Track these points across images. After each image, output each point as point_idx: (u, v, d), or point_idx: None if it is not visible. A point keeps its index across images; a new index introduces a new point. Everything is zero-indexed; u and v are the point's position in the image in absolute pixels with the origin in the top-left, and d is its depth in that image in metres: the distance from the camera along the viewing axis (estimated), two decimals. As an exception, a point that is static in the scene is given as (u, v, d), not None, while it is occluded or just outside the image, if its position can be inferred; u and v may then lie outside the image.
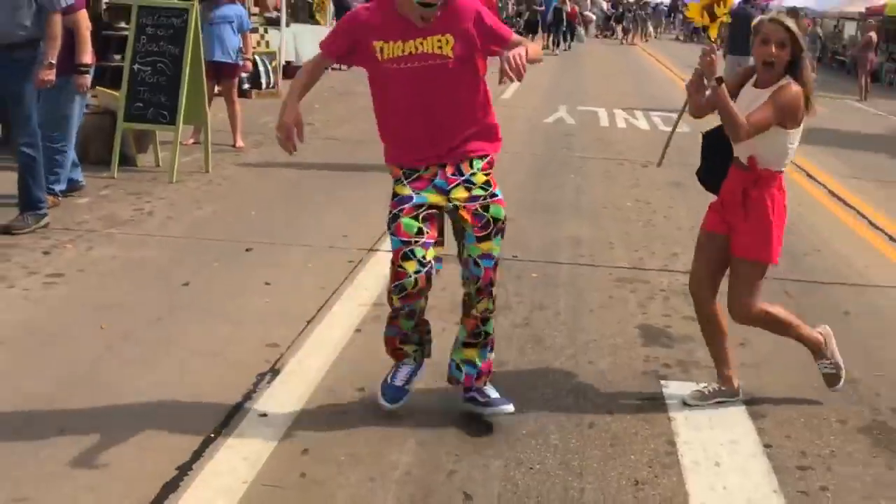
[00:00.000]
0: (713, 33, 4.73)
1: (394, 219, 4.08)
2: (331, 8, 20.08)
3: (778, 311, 4.74)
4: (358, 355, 4.78)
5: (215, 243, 6.86)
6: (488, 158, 4.25)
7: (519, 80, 3.95)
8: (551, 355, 5.10)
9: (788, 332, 4.79)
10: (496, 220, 4.13)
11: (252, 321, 5.34)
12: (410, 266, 3.99)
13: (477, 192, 4.13)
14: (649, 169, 11.12)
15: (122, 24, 11.20)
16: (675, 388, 4.86)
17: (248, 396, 4.40)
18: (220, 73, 10.17)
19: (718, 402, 4.68)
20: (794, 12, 22.75)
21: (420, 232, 4.04)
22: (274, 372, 4.69)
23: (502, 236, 4.20)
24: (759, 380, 5.06)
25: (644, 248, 7.62)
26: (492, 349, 4.37)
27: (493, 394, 4.28)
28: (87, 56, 7.26)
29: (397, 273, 4.02)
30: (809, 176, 11.54)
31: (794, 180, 11.23)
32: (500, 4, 42.81)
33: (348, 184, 8.92)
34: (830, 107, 21.22)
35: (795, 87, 4.37)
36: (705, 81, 4.41)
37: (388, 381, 4.29)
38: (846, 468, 4.15)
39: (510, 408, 4.21)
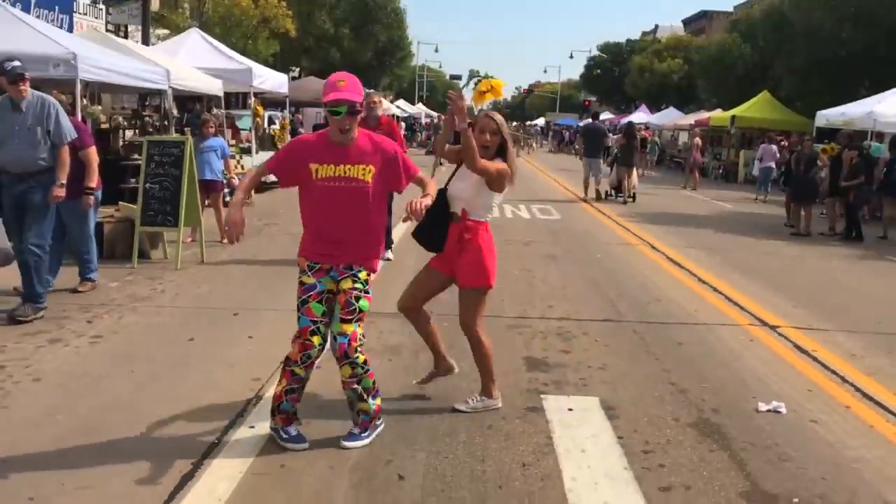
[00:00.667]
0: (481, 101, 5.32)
1: (303, 303, 4.02)
2: (287, 138, 20.27)
3: (487, 342, 4.82)
4: (317, 384, 4.88)
5: (211, 311, 6.92)
6: (369, 271, 4.20)
7: (418, 220, 4.19)
8: (459, 379, 5.15)
9: (483, 362, 4.83)
10: (361, 310, 4.04)
11: (241, 363, 5.46)
12: (316, 340, 3.99)
13: (357, 284, 4.07)
14: (530, 246, 11.38)
15: (136, 156, 11.24)
16: (551, 401, 5.00)
17: (241, 414, 4.56)
18: (209, 188, 10.26)
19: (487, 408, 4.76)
20: (630, 124, 23.10)
21: (324, 314, 4.04)
22: (258, 397, 4.83)
23: (361, 323, 4.06)
24: (615, 392, 5.25)
25: (527, 303, 7.69)
26: (374, 396, 4.20)
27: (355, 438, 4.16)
28: (93, 182, 7.16)
29: (304, 345, 3.97)
30: (653, 247, 11.78)
31: (640, 250, 11.64)
32: (407, 133, 42.84)
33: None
34: (668, 196, 21.91)
35: (503, 165, 4.65)
36: (457, 122, 4.43)
37: (288, 435, 4.12)
38: (678, 451, 4.35)
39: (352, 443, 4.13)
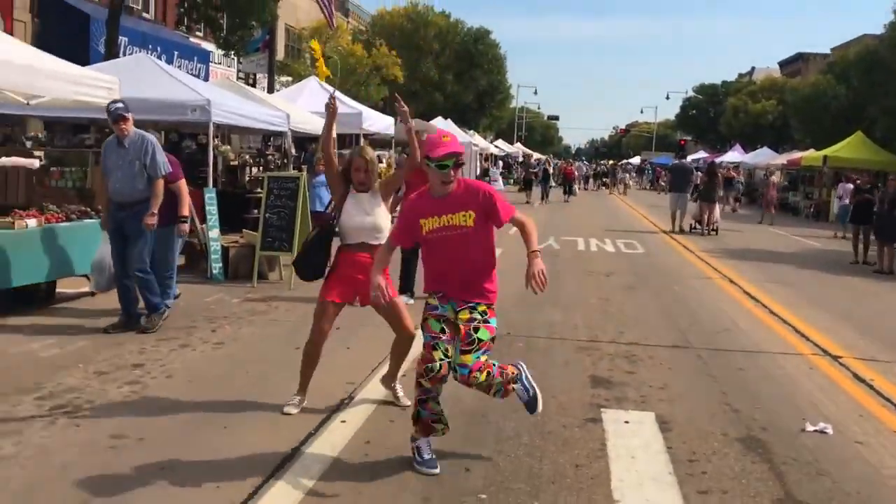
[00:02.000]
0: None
1: (424, 320, 4.20)
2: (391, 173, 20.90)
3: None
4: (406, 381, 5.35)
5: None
6: (490, 310, 4.26)
7: (542, 290, 4.09)
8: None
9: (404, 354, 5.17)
10: (480, 340, 4.10)
11: (339, 369, 5.95)
12: (437, 354, 4.08)
13: (476, 315, 4.16)
14: (610, 277, 11.60)
15: (259, 189, 12.06)
16: (610, 414, 5.29)
17: (336, 410, 5.08)
18: (319, 218, 10.98)
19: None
20: (712, 163, 23.38)
21: (442, 331, 4.14)
22: (350, 398, 5.35)
23: (484, 352, 4.11)
24: (671, 409, 5.49)
25: (600, 329, 7.94)
26: (514, 381, 4.37)
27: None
28: (185, 210, 7.41)
29: (426, 358, 4.10)
30: (731, 280, 11.81)
31: (717, 283, 11.68)
32: (504, 171, 42.98)
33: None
34: (753, 232, 21.64)
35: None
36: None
37: (421, 458, 4.22)
38: (722, 461, 4.58)
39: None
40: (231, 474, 4.05)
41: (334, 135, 5.38)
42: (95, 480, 3.91)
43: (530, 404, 4.42)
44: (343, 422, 4.90)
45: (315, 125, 14.47)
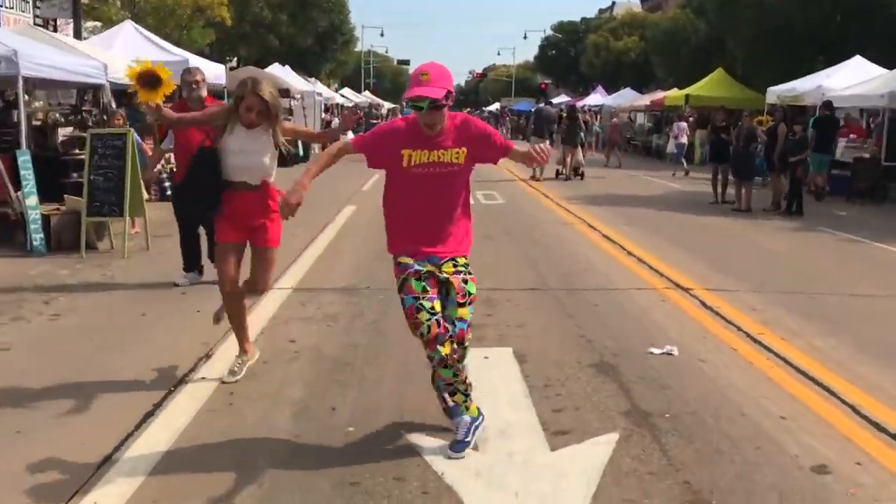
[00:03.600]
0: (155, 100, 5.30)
1: (403, 282, 4.13)
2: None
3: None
4: (275, 330, 5.92)
5: (160, 290, 7.85)
6: (469, 269, 4.32)
7: (545, 163, 4.36)
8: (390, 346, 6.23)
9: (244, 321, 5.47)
10: (471, 293, 4.24)
11: (191, 331, 6.39)
12: (423, 316, 4.05)
13: (460, 268, 4.24)
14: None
15: (76, 151, 12.03)
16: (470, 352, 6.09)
17: (193, 369, 5.54)
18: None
19: (248, 368, 5.35)
20: (573, 107, 25.27)
21: (425, 290, 4.11)
22: (207, 356, 5.82)
23: (472, 307, 4.25)
24: (528, 344, 6.32)
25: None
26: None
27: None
28: None
29: (414, 324, 4.09)
30: (590, 225, 12.95)
31: (577, 228, 12.79)
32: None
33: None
34: (617, 177, 23.26)
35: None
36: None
37: (456, 438, 4.26)
38: (575, 384, 5.42)
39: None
40: (99, 424, 4.51)
41: (170, 114, 5.60)
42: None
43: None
44: (203, 378, 5.40)
45: (136, 76, 14.45)
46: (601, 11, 73.46)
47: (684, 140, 26.62)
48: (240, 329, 5.45)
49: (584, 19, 67.58)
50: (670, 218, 14.56)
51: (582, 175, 22.12)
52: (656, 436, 4.58)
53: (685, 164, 25.57)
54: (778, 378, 5.66)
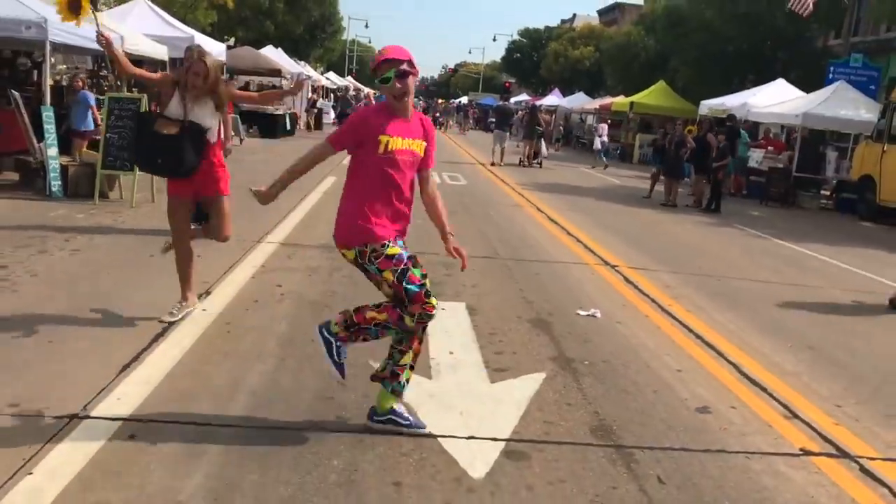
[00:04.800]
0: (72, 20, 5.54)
1: (403, 272, 3.73)
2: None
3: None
4: (264, 276, 6.27)
5: (165, 236, 8.16)
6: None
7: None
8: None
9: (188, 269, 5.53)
10: None
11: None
12: (433, 301, 3.83)
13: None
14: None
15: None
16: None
17: (200, 296, 5.88)
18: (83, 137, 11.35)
19: (188, 313, 5.44)
20: (534, 107, 26.56)
21: (424, 275, 3.82)
22: (207, 293, 6.16)
23: None
24: (479, 301, 6.76)
25: (423, 245, 9.16)
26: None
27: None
28: None
29: (426, 309, 3.79)
30: (538, 209, 13.41)
31: (527, 211, 13.25)
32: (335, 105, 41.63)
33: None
34: (566, 171, 23.81)
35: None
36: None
37: (337, 358, 3.92)
38: (515, 335, 5.86)
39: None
40: (117, 341, 4.87)
41: (122, 58, 5.52)
42: (-6, 348, 4.61)
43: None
44: (204, 310, 5.76)
45: (147, 47, 14.56)
46: (563, 22, 73.65)
47: (605, 138, 28.21)
48: (185, 277, 5.52)
49: (547, 28, 67.82)
50: (607, 207, 15.08)
51: (541, 164, 23.60)
52: (576, 377, 5.06)
53: (605, 159, 27.08)
54: (680, 341, 6.17)
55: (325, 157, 3.95)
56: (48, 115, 10.16)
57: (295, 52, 38.60)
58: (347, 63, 67.96)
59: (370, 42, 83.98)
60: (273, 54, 30.04)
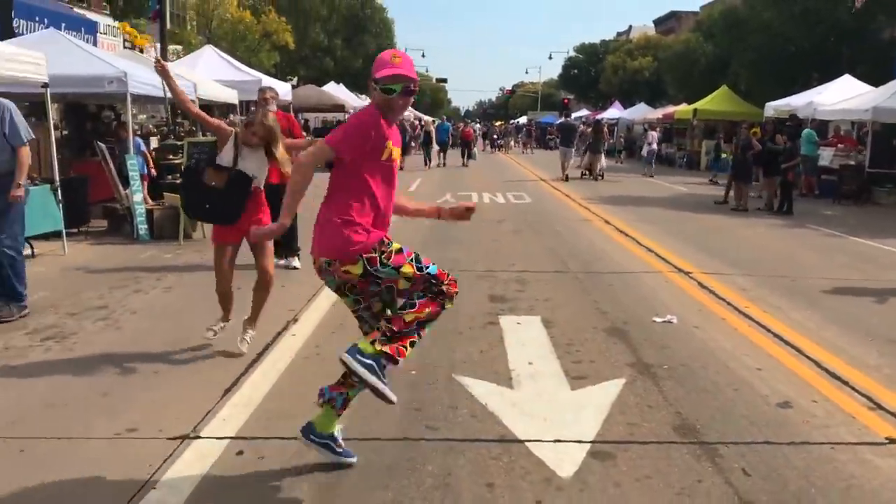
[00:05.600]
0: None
1: (417, 258, 3.62)
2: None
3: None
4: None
5: (249, 272, 8.59)
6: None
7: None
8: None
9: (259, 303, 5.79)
10: None
11: (279, 302, 6.93)
12: (448, 272, 3.74)
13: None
14: (502, 223, 13.06)
15: (170, 156, 12.74)
16: (505, 319, 6.66)
17: (284, 329, 6.20)
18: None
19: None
20: (598, 121, 27.09)
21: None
22: (295, 320, 6.50)
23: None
24: (553, 313, 6.91)
25: (494, 263, 9.38)
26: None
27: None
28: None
29: (451, 284, 3.68)
30: (606, 221, 13.48)
31: (595, 224, 13.34)
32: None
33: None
34: (631, 182, 23.73)
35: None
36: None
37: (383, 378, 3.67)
38: (591, 344, 6.00)
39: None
40: (217, 367, 5.20)
41: (183, 94, 5.91)
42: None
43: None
44: (293, 335, 6.08)
45: (219, 93, 15.23)
46: (619, 34, 73.48)
47: (655, 146, 28.28)
48: (225, 308, 5.80)
49: (603, 42, 67.69)
50: (676, 215, 15.02)
51: (602, 176, 24.20)
52: (655, 381, 5.17)
53: (652, 167, 27.33)
54: (758, 341, 6.21)
55: (321, 161, 3.58)
56: (132, 163, 10.76)
57: (355, 86, 39.50)
58: (406, 93, 68.91)
59: (427, 71, 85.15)
60: (335, 90, 30.87)
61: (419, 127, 39.46)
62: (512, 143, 50.85)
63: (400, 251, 3.62)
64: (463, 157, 32.69)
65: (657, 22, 68.04)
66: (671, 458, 3.97)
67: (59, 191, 9.33)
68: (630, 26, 74.46)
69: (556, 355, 5.71)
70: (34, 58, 9.01)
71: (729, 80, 33.09)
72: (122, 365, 5.29)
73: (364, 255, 3.55)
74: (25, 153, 6.54)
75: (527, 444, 4.11)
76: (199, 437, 4.10)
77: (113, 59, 11.93)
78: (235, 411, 4.48)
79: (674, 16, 62.92)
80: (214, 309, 6.70)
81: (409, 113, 54.79)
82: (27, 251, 9.04)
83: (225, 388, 4.84)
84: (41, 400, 4.64)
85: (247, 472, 3.74)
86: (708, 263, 9.56)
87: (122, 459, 3.82)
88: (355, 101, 32.25)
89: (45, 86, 9.16)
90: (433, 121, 48.35)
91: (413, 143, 33.12)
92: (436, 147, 31.01)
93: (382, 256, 3.57)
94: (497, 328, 6.42)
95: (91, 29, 24.06)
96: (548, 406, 4.68)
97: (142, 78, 11.30)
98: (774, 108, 24.13)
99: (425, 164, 29.43)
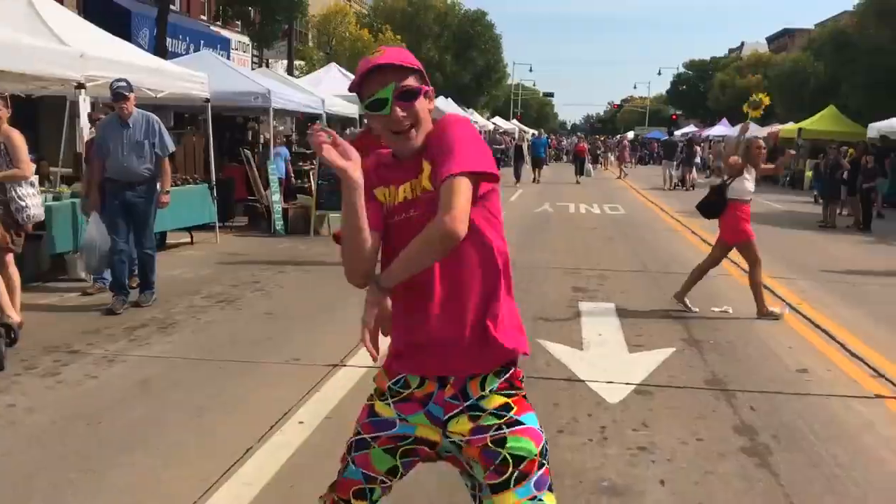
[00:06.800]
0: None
1: (361, 445, 2.17)
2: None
3: None
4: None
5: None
6: (511, 371, 2.14)
7: None
8: (537, 298, 8.27)
9: None
10: (518, 458, 2.03)
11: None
12: None
13: (488, 420, 2.07)
14: (594, 230, 14.34)
15: (300, 163, 14.59)
16: (584, 304, 8.00)
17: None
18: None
19: None
20: (691, 138, 29.34)
21: (394, 471, 2.17)
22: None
23: (539, 485, 2.04)
24: (627, 302, 8.20)
25: (581, 262, 10.72)
26: None
27: None
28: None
29: None
30: (693, 232, 14.55)
31: (682, 234, 14.43)
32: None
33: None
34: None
35: None
36: None
37: None
38: (653, 326, 7.25)
39: None
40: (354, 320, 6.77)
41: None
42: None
43: None
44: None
45: (343, 108, 17.09)
46: (731, 51, 73.00)
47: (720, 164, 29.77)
48: None
49: (713, 58, 67.49)
50: (765, 230, 15.85)
51: (693, 187, 26.59)
52: (700, 351, 6.42)
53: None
54: (799, 329, 7.34)
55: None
56: (272, 168, 12.62)
57: (463, 101, 41.27)
58: (512, 107, 70.58)
59: (534, 85, 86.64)
60: (443, 105, 32.61)
61: (509, 140, 39.00)
62: (611, 157, 46.65)
63: (365, 412, 2.25)
64: (576, 173, 30.66)
65: (770, 39, 67.34)
66: (697, 398, 5.25)
67: (214, 189, 11.23)
68: (743, 43, 73.88)
69: (622, 330, 7.01)
70: (198, 77, 10.93)
71: (839, 100, 33.10)
72: (278, 321, 6.94)
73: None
74: (168, 163, 7.37)
75: (587, 382, 5.46)
76: (345, 366, 5.65)
77: (256, 76, 13.89)
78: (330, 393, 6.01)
79: (787, 33, 62.24)
80: (342, 287, 8.36)
81: (514, 126, 56.28)
82: (187, 239, 10.99)
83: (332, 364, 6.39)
84: (228, 338, 6.32)
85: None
86: (780, 270, 10.59)
87: (291, 378, 5.41)
88: (462, 115, 33.94)
89: (207, 101, 11.07)
90: (532, 133, 46.54)
91: (502, 158, 31.48)
92: (527, 164, 29.45)
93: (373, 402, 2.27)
94: (576, 310, 7.77)
95: (226, 46, 26.67)
96: (608, 361, 6.02)
97: (283, 94, 13.19)
98: (878, 129, 24.37)
99: (516, 182, 27.67)
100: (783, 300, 8.59)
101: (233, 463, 3.94)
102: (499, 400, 2.10)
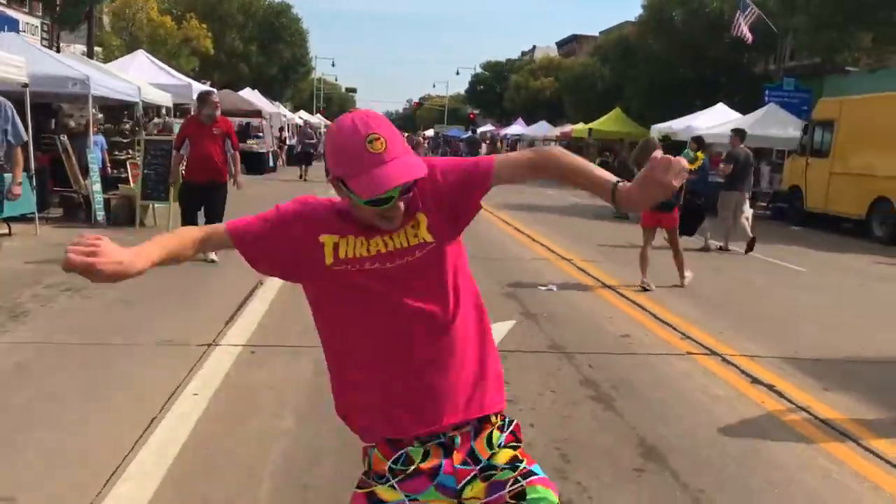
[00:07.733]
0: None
1: None
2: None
3: None
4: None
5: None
6: (514, 423, 2.08)
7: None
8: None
9: None
10: None
11: (231, 281, 8.84)
12: None
13: (502, 475, 1.93)
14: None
15: (116, 152, 14.15)
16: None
17: (241, 305, 7.99)
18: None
19: None
20: (493, 135, 29.28)
21: None
22: (252, 294, 8.30)
23: None
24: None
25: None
26: None
27: None
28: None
29: None
30: (505, 222, 15.75)
31: (495, 223, 15.55)
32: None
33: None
34: (532, 193, 26.25)
35: None
36: None
37: None
38: (500, 311, 8.08)
39: None
40: (220, 297, 6.97)
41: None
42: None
43: None
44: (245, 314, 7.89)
45: (157, 96, 16.70)
46: (524, 54, 77.08)
47: None
48: None
49: (508, 60, 71.00)
50: (564, 220, 17.44)
51: None
52: (537, 322, 7.26)
53: None
54: (615, 303, 8.41)
55: (210, 245, 2.13)
56: (92, 156, 12.23)
57: (270, 93, 40.89)
58: (315, 101, 70.43)
59: (337, 80, 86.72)
60: (250, 96, 32.21)
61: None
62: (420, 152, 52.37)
63: (371, 499, 1.97)
64: None
65: (560, 44, 71.85)
66: (542, 359, 6.04)
67: (33, 178, 10.76)
68: (534, 46, 78.20)
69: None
70: (15, 60, 10.45)
71: (623, 103, 36.29)
72: (134, 307, 7.02)
73: None
74: (20, 153, 6.89)
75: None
76: (218, 345, 5.91)
77: (76, 63, 13.34)
78: (246, 321, 6.29)
79: (575, 39, 66.73)
80: (187, 272, 8.46)
81: (320, 120, 56.25)
82: (4, 230, 10.51)
83: (230, 315, 6.64)
84: (89, 324, 6.35)
85: (262, 365, 5.59)
86: (578, 251, 11.83)
87: (170, 358, 5.61)
88: (270, 108, 33.69)
89: (25, 86, 10.61)
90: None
91: (314, 153, 29.70)
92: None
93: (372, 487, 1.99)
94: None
95: (14, 27, 24.93)
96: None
97: (100, 81, 12.79)
98: (658, 130, 27.10)
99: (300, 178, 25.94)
100: (588, 273, 9.70)
101: (143, 431, 4.18)
102: (508, 454, 1.99)
